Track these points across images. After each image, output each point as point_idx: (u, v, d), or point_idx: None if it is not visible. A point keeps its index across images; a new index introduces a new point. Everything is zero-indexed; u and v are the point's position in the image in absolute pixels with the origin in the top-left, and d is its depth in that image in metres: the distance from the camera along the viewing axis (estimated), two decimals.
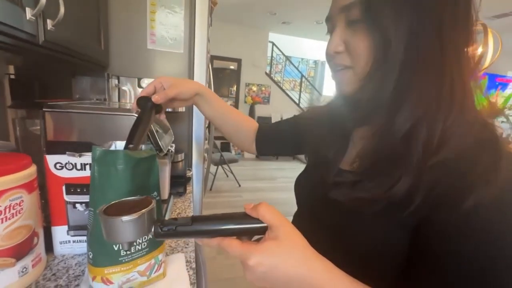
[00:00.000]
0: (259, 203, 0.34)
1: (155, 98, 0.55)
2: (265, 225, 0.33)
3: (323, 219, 0.43)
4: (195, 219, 0.33)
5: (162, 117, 0.62)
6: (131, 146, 0.45)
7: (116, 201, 0.34)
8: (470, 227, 0.29)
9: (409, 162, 0.31)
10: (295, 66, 6.80)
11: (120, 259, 0.45)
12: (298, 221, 0.48)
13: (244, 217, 0.34)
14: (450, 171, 0.30)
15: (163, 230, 0.33)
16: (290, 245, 0.31)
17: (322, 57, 7.53)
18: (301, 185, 0.52)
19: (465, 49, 0.32)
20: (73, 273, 0.52)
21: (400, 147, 0.32)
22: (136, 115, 0.55)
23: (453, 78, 0.31)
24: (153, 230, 0.33)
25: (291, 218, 0.44)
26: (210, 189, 3.57)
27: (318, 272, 0.31)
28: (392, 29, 0.31)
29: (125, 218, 0.30)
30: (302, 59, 7.63)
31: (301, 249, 0.32)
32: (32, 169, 0.48)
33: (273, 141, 0.69)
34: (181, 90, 0.59)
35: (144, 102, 0.56)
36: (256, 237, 0.35)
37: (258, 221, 0.33)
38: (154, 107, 0.56)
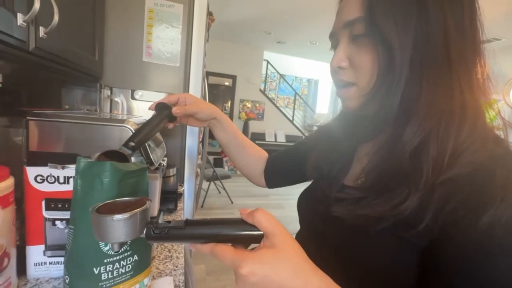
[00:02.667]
0: (256, 209, 0.31)
1: (174, 110, 0.57)
2: (261, 233, 0.30)
3: (326, 238, 0.41)
4: (188, 223, 0.32)
5: (171, 126, 0.63)
6: (131, 144, 0.43)
7: (111, 200, 0.33)
8: (487, 246, 0.27)
9: (419, 179, 0.30)
10: (289, 84, 6.93)
11: (100, 284, 0.41)
12: (300, 240, 0.46)
13: (239, 223, 0.32)
14: (464, 187, 0.28)
15: (155, 233, 0.31)
16: (287, 255, 0.29)
17: (315, 75, 7.75)
18: (304, 202, 0.50)
19: (475, 65, 0.32)
20: None
21: (408, 163, 0.31)
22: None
23: (463, 92, 0.31)
24: (145, 232, 0.31)
25: None
26: (202, 206, 3.47)
27: (315, 287, 0.28)
28: (396, 42, 0.31)
29: (117, 217, 0.29)
30: (296, 77, 7.80)
31: (299, 260, 0.29)
32: (9, 182, 0.44)
33: (283, 173, 0.67)
34: (200, 111, 0.61)
35: (162, 107, 0.58)
36: (252, 245, 0.32)
37: (254, 228, 0.31)
38: (168, 116, 0.57)
